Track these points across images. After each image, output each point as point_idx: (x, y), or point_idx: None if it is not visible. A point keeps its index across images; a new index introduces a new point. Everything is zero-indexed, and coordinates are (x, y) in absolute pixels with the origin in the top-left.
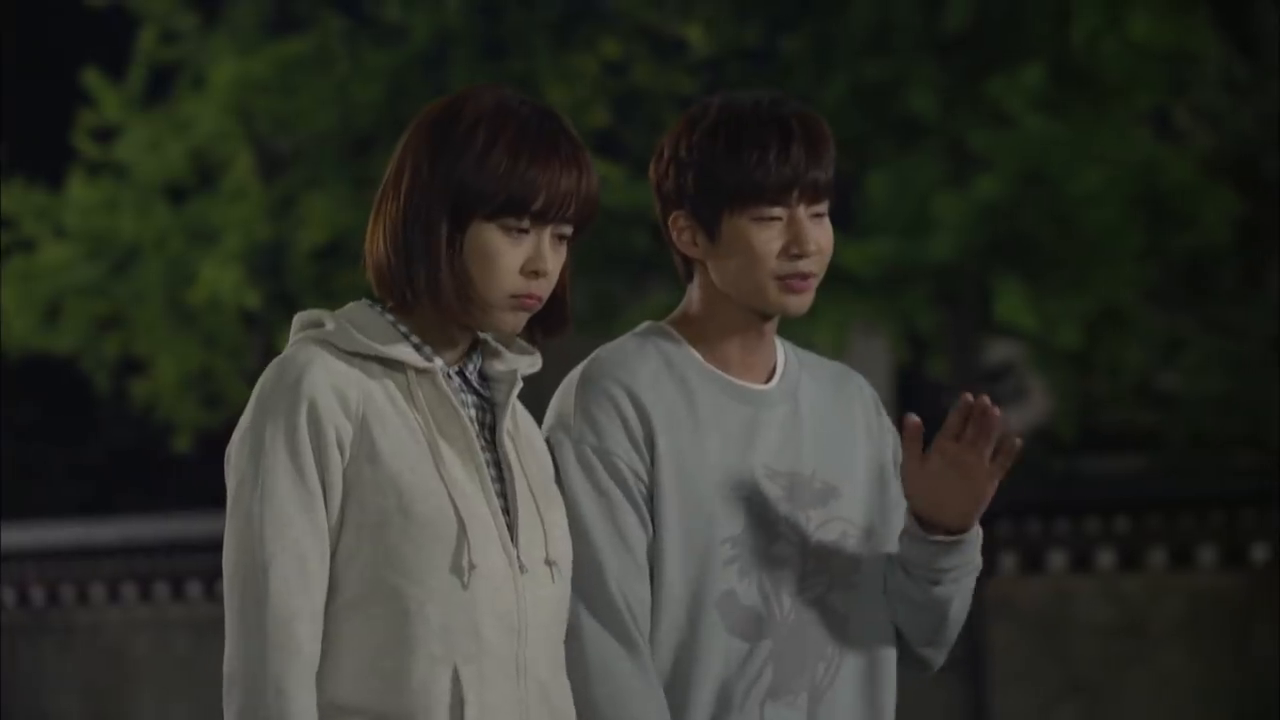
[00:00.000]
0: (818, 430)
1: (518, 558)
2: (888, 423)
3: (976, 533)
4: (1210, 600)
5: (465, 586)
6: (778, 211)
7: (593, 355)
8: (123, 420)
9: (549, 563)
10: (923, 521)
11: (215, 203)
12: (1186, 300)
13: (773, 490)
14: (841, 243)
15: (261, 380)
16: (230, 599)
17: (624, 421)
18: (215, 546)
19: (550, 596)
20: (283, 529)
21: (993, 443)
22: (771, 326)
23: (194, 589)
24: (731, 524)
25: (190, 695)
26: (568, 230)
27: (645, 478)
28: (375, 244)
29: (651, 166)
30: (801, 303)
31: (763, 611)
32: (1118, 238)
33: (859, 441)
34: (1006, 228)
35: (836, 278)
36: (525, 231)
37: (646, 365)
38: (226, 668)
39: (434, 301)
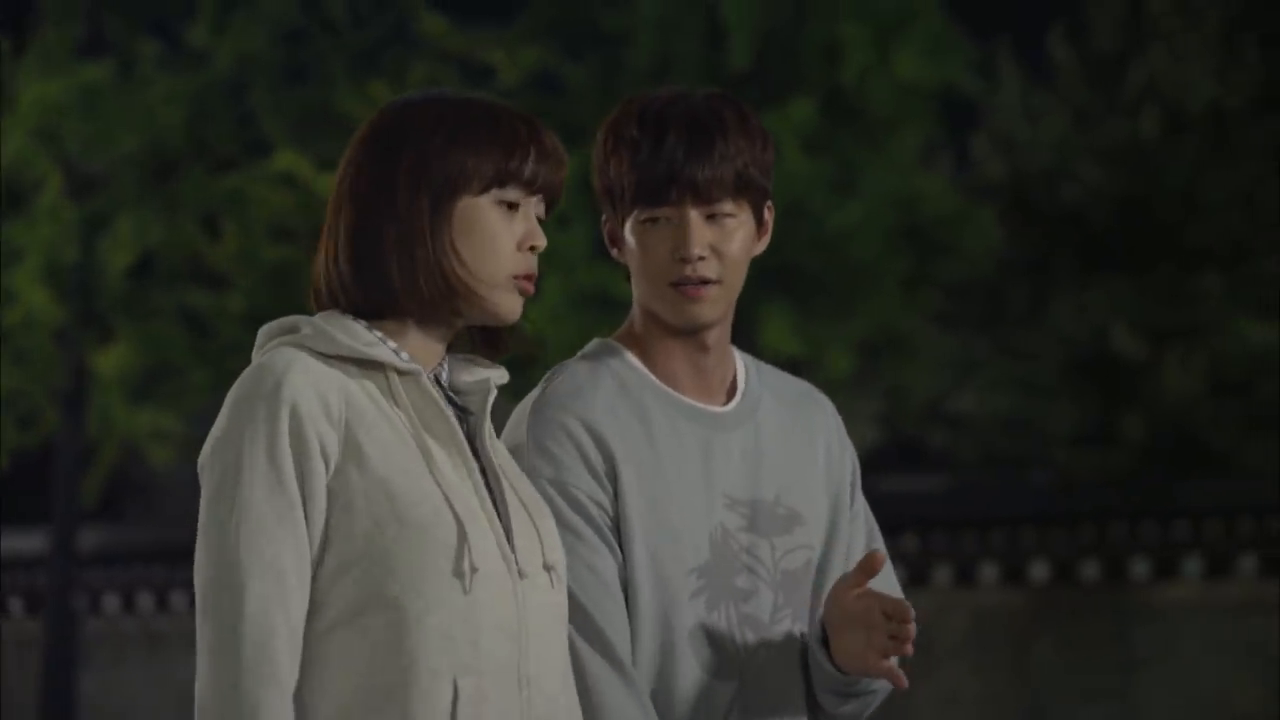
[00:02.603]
0: (779, 453)
1: (516, 562)
2: (849, 443)
3: (877, 686)
4: (992, 617)
5: (467, 591)
6: (664, 213)
7: (544, 383)
8: None
9: (547, 567)
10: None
11: (21, 224)
12: (979, 325)
13: (733, 520)
14: (614, 271)
15: (237, 387)
16: (203, 618)
17: (581, 453)
18: (35, 562)
19: (550, 603)
20: (260, 543)
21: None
22: (715, 339)
23: (16, 606)
24: (696, 555)
25: (11, 710)
26: (542, 210)
27: (609, 509)
28: (330, 256)
29: None
30: (698, 311)
31: (731, 648)
32: (881, 266)
33: (819, 463)
34: (772, 257)
35: (614, 305)
36: (514, 207)
37: (601, 392)
38: (198, 693)
39: (424, 290)
